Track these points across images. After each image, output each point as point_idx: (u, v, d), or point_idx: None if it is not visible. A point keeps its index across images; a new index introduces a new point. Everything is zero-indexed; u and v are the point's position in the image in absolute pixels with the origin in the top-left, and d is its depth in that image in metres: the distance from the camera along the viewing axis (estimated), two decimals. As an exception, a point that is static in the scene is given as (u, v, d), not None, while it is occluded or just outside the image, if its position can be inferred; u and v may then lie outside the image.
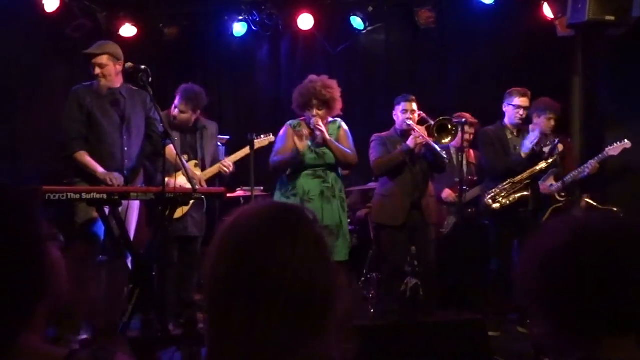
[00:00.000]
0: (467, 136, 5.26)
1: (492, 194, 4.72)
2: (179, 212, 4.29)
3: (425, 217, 4.72)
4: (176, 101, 4.58)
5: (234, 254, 1.03)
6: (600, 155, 4.98)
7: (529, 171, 4.71)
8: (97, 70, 4.10)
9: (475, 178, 5.53)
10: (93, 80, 4.20)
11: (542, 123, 4.95)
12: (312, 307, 1.01)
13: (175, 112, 4.56)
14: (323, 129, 4.31)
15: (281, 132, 4.49)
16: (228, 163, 4.64)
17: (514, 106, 4.73)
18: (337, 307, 1.04)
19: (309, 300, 1.00)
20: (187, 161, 4.46)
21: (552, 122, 5.03)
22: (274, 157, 4.42)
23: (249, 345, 1.00)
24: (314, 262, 1.02)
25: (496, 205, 4.70)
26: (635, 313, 1.09)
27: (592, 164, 4.96)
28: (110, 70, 4.11)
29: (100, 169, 4.00)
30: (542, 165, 4.72)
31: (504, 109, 4.84)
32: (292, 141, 4.35)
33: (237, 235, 1.04)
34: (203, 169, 4.61)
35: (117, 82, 4.20)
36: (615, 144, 5.00)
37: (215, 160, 4.74)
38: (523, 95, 4.73)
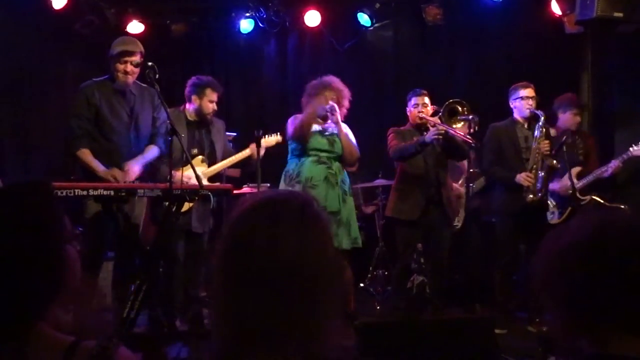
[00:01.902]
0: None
1: (526, 189, 4.65)
2: (185, 206, 4.31)
3: (447, 212, 4.72)
4: (187, 98, 4.60)
5: (227, 235, 1.09)
6: (624, 155, 4.86)
7: (533, 150, 4.66)
8: (129, 68, 4.07)
9: (477, 170, 5.50)
10: (104, 75, 4.21)
11: (567, 119, 4.95)
12: (302, 285, 1.03)
13: (190, 113, 4.58)
14: (338, 111, 4.36)
15: (289, 121, 4.54)
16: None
17: (522, 98, 4.73)
18: (332, 290, 1.07)
19: (296, 280, 1.03)
20: (195, 156, 4.48)
21: (578, 118, 5.03)
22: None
23: (241, 323, 1.03)
24: (300, 243, 1.05)
25: (539, 196, 4.61)
26: None
27: (615, 164, 4.85)
28: (139, 69, 4.11)
29: (101, 168, 3.97)
30: (537, 132, 4.65)
31: (512, 105, 4.83)
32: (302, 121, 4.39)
33: (233, 220, 1.11)
34: (210, 164, 4.62)
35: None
36: (639, 145, 4.87)
37: (227, 154, 4.76)
38: (527, 87, 4.74)
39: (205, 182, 4.29)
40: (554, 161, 4.64)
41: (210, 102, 4.57)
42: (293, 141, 4.49)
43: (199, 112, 4.58)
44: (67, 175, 4.10)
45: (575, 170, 4.91)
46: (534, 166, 4.64)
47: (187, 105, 4.63)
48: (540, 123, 4.64)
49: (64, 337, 1.16)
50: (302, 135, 4.38)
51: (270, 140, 4.79)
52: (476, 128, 4.91)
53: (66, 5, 5.94)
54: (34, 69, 6.01)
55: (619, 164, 4.85)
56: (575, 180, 4.86)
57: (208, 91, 4.56)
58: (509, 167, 4.75)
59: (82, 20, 6.10)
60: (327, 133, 4.45)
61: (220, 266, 1.08)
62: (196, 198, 3.84)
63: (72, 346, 1.14)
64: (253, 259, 1.04)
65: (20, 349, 1.11)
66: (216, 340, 1.07)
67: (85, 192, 3.56)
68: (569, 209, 4.83)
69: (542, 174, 4.64)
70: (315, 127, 4.45)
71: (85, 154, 4.03)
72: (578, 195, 4.83)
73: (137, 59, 4.09)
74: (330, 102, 4.38)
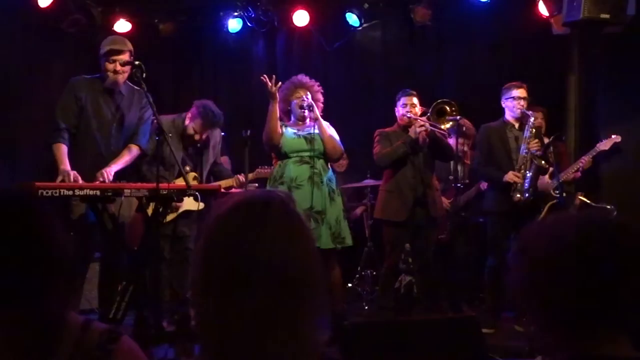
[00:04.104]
0: (463, 147, 5.31)
1: (514, 188, 4.66)
2: (170, 217, 4.34)
3: (431, 212, 4.71)
4: (192, 117, 4.55)
5: (207, 238, 1.08)
6: (591, 151, 5.05)
7: (521, 158, 4.69)
8: (118, 67, 4.03)
9: (467, 181, 5.53)
10: (95, 73, 4.19)
11: (509, 104, 4.87)
12: (285, 286, 1.02)
13: (189, 129, 4.55)
14: (314, 105, 4.27)
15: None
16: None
17: (513, 98, 4.76)
18: (316, 289, 1.06)
19: (282, 280, 1.02)
20: (187, 173, 4.46)
21: (540, 120, 5.07)
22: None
23: (227, 324, 1.02)
24: (285, 243, 1.04)
25: (526, 196, 4.63)
26: (630, 312, 1.10)
27: (585, 160, 5.02)
28: (128, 68, 4.07)
29: (62, 166, 3.88)
30: (527, 133, 4.67)
31: (503, 105, 4.86)
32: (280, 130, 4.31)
33: (212, 222, 1.10)
34: (201, 181, 4.61)
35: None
36: (604, 140, 5.08)
37: (215, 164, 4.80)
38: (520, 87, 4.78)
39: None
40: (543, 161, 4.67)
41: (210, 133, 4.63)
42: (267, 148, 4.39)
43: (199, 135, 4.58)
44: (53, 175, 4.05)
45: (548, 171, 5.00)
46: (522, 166, 4.67)
47: (189, 121, 4.58)
48: (530, 124, 4.67)
49: (74, 317, 1.25)
50: (271, 143, 4.28)
51: (263, 172, 4.83)
52: (464, 128, 4.93)
53: (52, 3, 5.89)
54: (20, 68, 5.96)
55: (589, 159, 4.99)
56: (548, 180, 4.93)
57: (214, 128, 4.63)
58: (499, 168, 4.77)
59: (68, 18, 6.05)
60: (302, 133, 4.33)
61: (202, 267, 1.07)
62: (183, 199, 3.83)
63: (85, 324, 1.23)
64: (237, 259, 1.02)
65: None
66: (202, 342, 1.07)
67: (70, 192, 3.53)
68: (548, 205, 4.87)
69: (530, 174, 4.66)
70: (289, 130, 4.32)
71: (59, 148, 3.96)
72: (553, 192, 4.89)
73: (125, 57, 4.06)
74: (307, 99, 4.28)
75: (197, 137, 4.56)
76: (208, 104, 4.58)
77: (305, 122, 4.39)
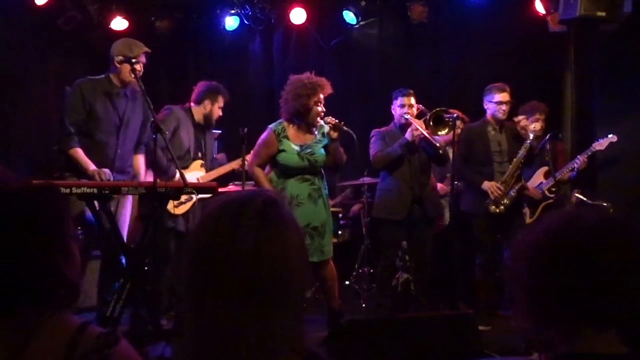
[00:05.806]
0: (457, 131, 5.29)
1: (492, 199, 4.65)
2: (183, 209, 4.34)
3: (427, 211, 4.71)
4: (210, 101, 4.59)
5: (191, 238, 1.12)
6: (587, 151, 5.04)
7: (513, 164, 4.68)
8: (140, 67, 4.03)
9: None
10: (93, 73, 4.22)
11: (491, 107, 4.89)
12: (258, 286, 1.03)
13: (216, 112, 4.60)
14: (337, 123, 4.22)
15: (263, 135, 4.31)
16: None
17: (495, 103, 4.68)
18: (293, 290, 1.07)
19: (254, 280, 1.03)
20: (196, 159, 4.56)
21: (540, 123, 5.09)
22: (252, 160, 4.27)
23: (202, 323, 1.04)
24: (260, 244, 1.05)
25: (501, 208, 4.62)
26: (618, 307, 1.11)
27: (580, 159, 5.01)
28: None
29: (91, 167, 3.99)
30: (522, 152, 4.67)
31: (485, 106, 4.79)
32: (273, 148, 4.22)
33: (198, 222, 1.13)
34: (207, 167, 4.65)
35: None
36: (600, 140, 5.07)
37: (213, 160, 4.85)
38: (502, 91, 4.69)
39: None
40: (530, 189, 4.68)
41: (219, 108, 4.63)
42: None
43: (208, 116, 4.61)
44: (49, 173, 4.06)
45: (543, 169, 5.00)
46: (508, 180, 4.63)
47: (194, 106, 4.60)
48: (527, 142, 4.61)
49: (71, 319, 1.23)
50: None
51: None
52: (461, 127, 4.93)
53: (48, 1, 5.88)
54: (16, 65, 5.94)
55: (584, 159, 4.98)
56: (543, 180, 4.94)
57: (220, 98, 4.62)
58: (477, 169, 4.74)
59: (64, 16, 6.04)
60: (305, 153, 4.23)
61: (186, 268, 1.09)
62: (180, 196, 3.83)
63: (80, 329, 1.21)
64: (213, 261, 1.04)
65: (28, 333, 1.18)
66: (185, 340, 1.08)
67: (68, 190, 3.52)
68: (542, 205, 4.88)
69: (513, 193, 4.63)
70: (292, 146, 4.22)
71: (78, 153, 4.03)
72: (547, 193, 4.90)
73: (144, 60, 4.13)
74: (332, 120, 4.21)
75: (215, 115, 4.62)
76: (204, 86, 4.64)
77: (314, 133, 4.31)
